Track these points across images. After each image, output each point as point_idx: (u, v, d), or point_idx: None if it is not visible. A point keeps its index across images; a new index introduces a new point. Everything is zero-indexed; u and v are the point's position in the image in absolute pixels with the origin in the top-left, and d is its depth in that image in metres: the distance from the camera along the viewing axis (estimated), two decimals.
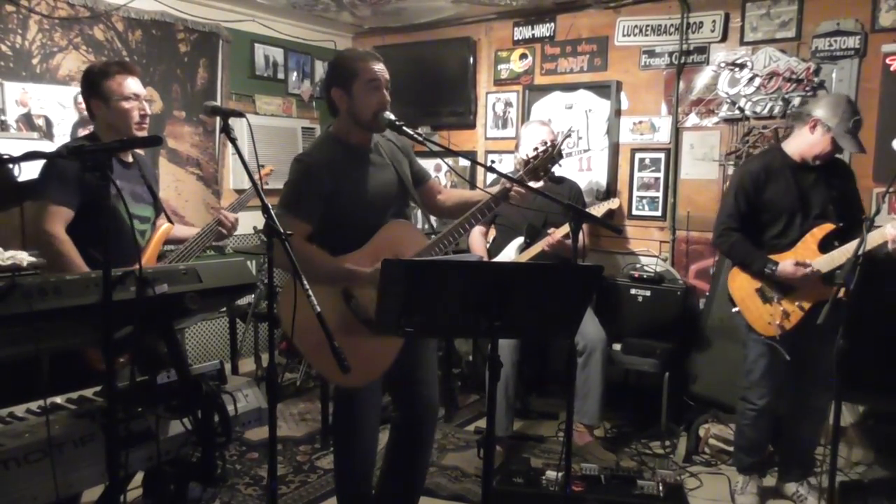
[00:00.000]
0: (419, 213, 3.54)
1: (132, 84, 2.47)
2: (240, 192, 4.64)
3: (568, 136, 3.59)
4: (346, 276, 2.29)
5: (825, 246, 2.88)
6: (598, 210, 3.73)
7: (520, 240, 3.74)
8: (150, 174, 2.75)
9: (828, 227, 2.89)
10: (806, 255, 2.88)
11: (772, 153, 3.06)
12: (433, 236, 2.48)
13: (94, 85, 2.45)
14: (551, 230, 3.63)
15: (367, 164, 2.42)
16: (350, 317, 2.31)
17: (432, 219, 3.09)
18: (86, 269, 2.31)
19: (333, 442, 2.61)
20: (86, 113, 2.70)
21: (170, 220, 2.78)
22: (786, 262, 2.86)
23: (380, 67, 2.35)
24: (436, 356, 2.73)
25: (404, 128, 2.27)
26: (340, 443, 2.57)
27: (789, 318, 2.91)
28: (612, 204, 3.83)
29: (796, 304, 2.89)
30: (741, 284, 3.04)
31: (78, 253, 2.32)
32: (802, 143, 2.93)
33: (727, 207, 3.05)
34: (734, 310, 3.07)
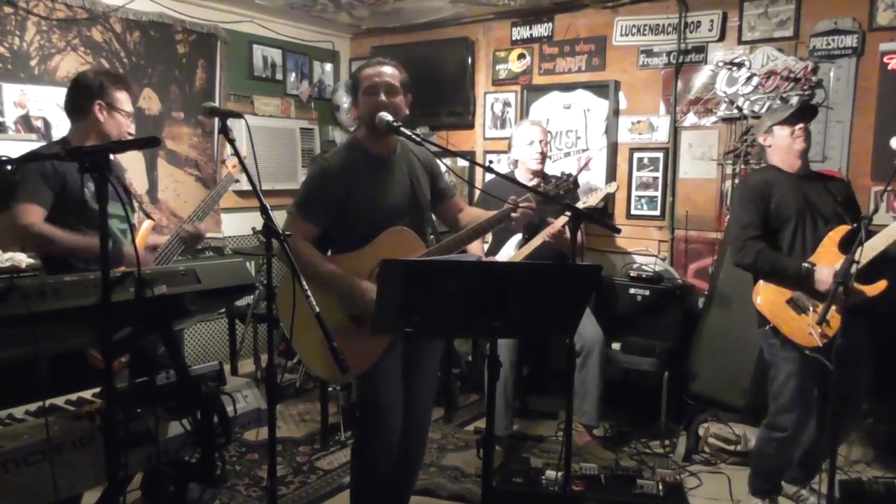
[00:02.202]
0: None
1: (130, 103, 2.57)
2: (238, 192, 4.64)
3: (585, 165, 3.60)
4: (343, 287, 2.33)
5: (845, 247, 2.76)
6: (596, 196, 3.71)
7: (518, 236, 3.74)
8: (119, 169, 2.76)
9: (844, 229, 2.81)
10: (829, 259, 2.78)
11: (767, 168, 3.04)
12: (437, 238, 2.49)
13: (103, 89, 2.48)
14: (549, 219, 3.60)
15: (382, 173, 2.44)
16: (340, 312, 2.34)
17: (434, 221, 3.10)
18: (75, 238, 2.32)
19: (355, 440, 2.62)
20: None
21: (149, 217, 2.79)
22: (825, 268, 2.73)
23: (379, 71, 2.37)
24: (435, 376, 2.76)
25: (402, 129, 2.28)
26: (362, 441, 2.58)
27: (829, 324, 2.71)
28: (611, 187, 3.81)
29: (833, 308, 2.66)
30: (770, 298, 2.88)
31: (61, 230, 2.34)
32: (777, 155, 2.98)
33: (741, 219, 2.94)
34: (767, 327, 2.89)
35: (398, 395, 2.49)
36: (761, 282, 2.93)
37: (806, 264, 2.77)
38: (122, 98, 2.52)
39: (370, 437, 2.50)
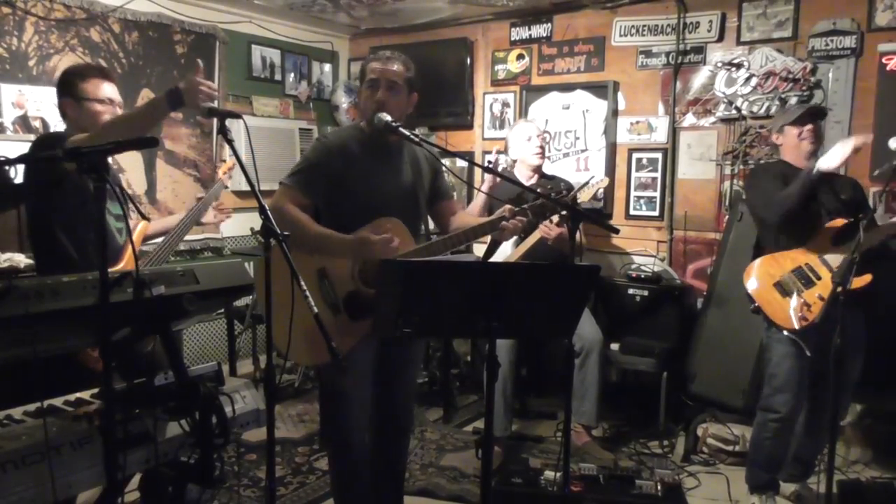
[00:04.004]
0: None
1: (107, 89, 2.46)
2: (237, 193, 4.64)
3: (585, 185, 3.58)
4: (326, 242, 2.29)
5: (839, 241, 2.88)
6: (586, 192, 3.70)
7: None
8: (113, 172, 2.76)
9: (840, 222, 2.90)
10: (821, 249, 2.90)
11: (779, 162, 3.14)
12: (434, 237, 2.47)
13: (69, 84, 2.43)
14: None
15: (383, 158, 2.41)
16: (317, 297, 2.30)
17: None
18: None
19: (325, 438, 2.60)
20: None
21: (145, 218, 2.78)
22: (826, 156, 2.78)
23: (382, 66, 2.36)
24: (417, 377, 2.74)
25: (401, 129, 2.27)
26: (331, 439, 2.56)
27: (811, 310, 2.86)
28: (602, 183, 3.80)
29: (816, 294, 2.87)
30: (759, 279, 3.01)
31: None
32: (789, 154, 3.07)
33: (765, 185, 2.99)
34: (753, 306, 3.02)
35: (365, 392, 2.45)
36: (754, 262, 3.04)
37: (814, 172, 2.78)
38: (91, 87, 2.43)
39: (337, 434, 2.46)
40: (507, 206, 2.38)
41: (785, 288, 2.94)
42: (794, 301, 2.90)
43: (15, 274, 2.90)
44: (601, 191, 3.87)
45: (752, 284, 3.03)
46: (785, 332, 2.91)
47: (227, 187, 3.28)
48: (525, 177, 3.81)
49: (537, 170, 3.81)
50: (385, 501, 2.66)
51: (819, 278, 2.91)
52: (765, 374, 3.08)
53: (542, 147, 3.78)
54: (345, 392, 2.41)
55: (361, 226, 2.34)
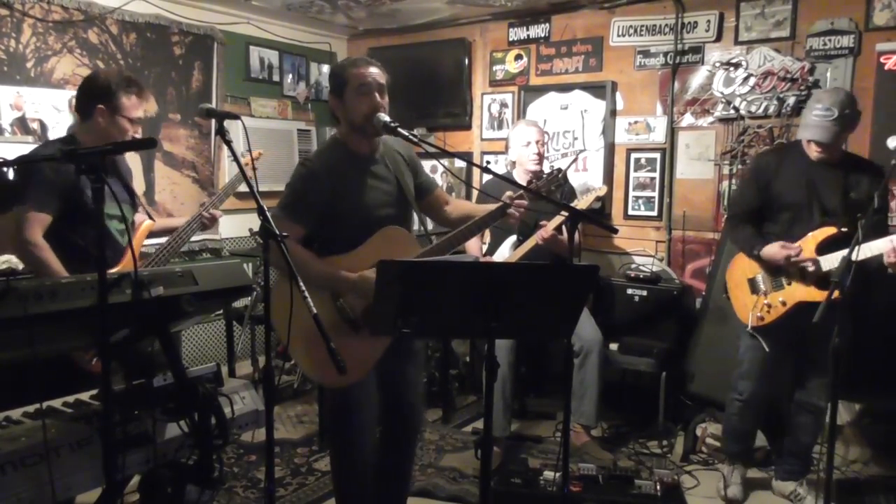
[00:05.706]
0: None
1: (140, 111, 2.52)
2: (236, 194, 4.63)
3: (575, 160, 3.60)
4: (331, 281, 2.31)
5: (825, 249, 2.83)
6: (585, 199, 3.71)
7: (513, 238, 3.74)
8: (125, 170, 2.75)
9: (829, 231, 2.83)
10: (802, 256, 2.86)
11: (791, 147, 3.04)
12: (434, 238, 2.47)
13: (109, 92, 2.44)
14: (542, 222, 3.61)
15: (368, 172, 2.41)
16: (335, 316, 2.32)
17: (428, 222, 3.09)
18: (60, 270, 2.30)
19: (330, 442, 2.60)
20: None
21: (150, 217, 2.78)
22: (771, 245, 2.89)
23: (370, 71, 2.34)
24: (421, 374, 2.73)
25: (400, 129, 2.27)
26: (337, 443, 2.56)
27: (770, 311, 2.96)
28: (600, 191, 3.81)
29: (780, 299, 2.94)
30: (737, 273, 3.11)
31: (56, 258, 2.31)
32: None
33: (737, 196, 3.16)
34: (723, 295, 3.18)
35: (370, 394, 2.45)
36: (739, 254, 3.13)
37: (755, 250, 2.94)
38: (129, 104, 2.46)
39: (344, 437, 2.47)
40: (507, 193, 2.41)
41: (755, 285, 3.02)
42: (757, 300, 2.99)
43: (14, 275, 2.90)
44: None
45: (730, 275, 3.14)
46: (747, 328, 3.02)
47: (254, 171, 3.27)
48: (523, 180, 3.81)
49: (535, 174, 3.81)
50: (387, 502, 2.66)
51: (789, 284, 2.93)
52: (737, 357, 3.19)
53: (539, 153, 3.77)
54: (352, 394, 2.41)
55: (361, 242, 2.35)
